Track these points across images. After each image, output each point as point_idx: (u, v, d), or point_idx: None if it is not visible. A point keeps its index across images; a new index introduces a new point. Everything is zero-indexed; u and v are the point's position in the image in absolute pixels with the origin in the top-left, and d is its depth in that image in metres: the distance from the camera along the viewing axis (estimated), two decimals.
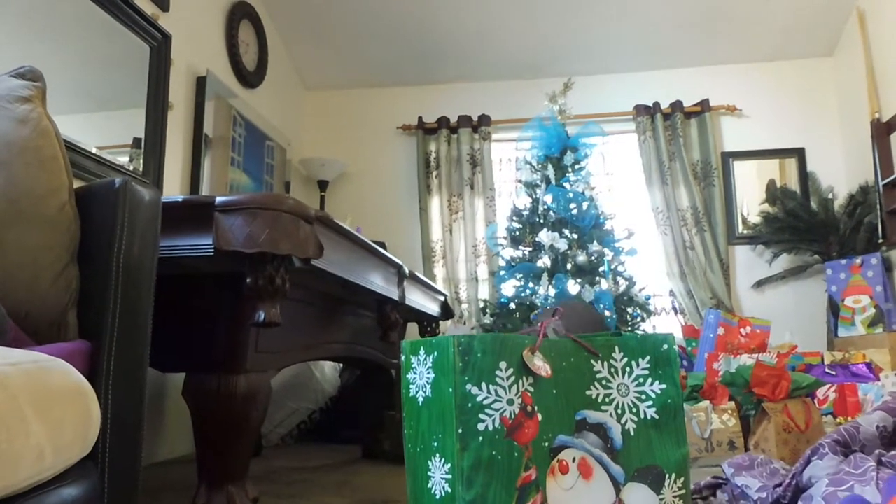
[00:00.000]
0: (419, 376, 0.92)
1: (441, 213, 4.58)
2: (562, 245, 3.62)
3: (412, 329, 3.62)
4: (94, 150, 2.58)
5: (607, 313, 3.49)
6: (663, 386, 0.93)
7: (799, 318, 4.15)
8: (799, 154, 4.43)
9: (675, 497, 0.92)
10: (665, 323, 4.19)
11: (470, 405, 0.84)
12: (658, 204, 4.38)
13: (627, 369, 0.92)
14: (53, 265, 1.03)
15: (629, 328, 3.62)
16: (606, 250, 3.71)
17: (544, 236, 3.65)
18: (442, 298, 3.30)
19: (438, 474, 0.86)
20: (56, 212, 1.04)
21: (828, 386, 3.12)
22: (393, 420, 2.85)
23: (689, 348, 3.55)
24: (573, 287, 3.59)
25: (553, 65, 4.51)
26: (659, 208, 4.38)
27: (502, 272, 3.84)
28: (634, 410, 0.90)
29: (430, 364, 0.91)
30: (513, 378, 0.87)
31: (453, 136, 4.66)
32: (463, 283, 4.46)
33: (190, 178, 3.36)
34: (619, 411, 0.89)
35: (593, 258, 3.65)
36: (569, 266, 3.66)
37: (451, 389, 0.85)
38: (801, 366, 3.12)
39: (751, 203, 4.46)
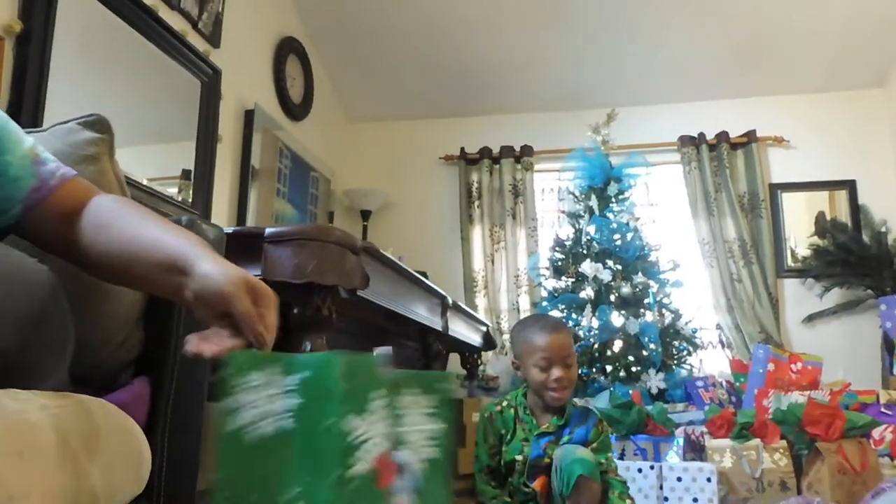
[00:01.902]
0: (265, 400, 0.71)
1: (483, 243, 4.58)
2: (605, 276, 3.58)
3: (454, 360, 3.60)
4: (144, 182, 2.66)
5: (652, 346, 3.43)
6: (443, 425, 0.84)
7: (852, 354, 4.01)
8: (850, 186, 4.33)
9: None
10: (712, 357, 4.09)
11: (349, 441, 0.69)
12: (704, 235, 4.31)
13: (415, 407, 0.85)
14: (119, 331, 1.04)
15: (675, 362, 3.54)
16: (651, 282, 3.65)
17: (587, 267, 3.61)
18: (484, 329, 3.29)
19: None
20: None
21: (884, 426, 2.99)
22: None
23: (738, 384, 3.45)
24: (617, 319, 3.53)
25: (595, 95, 4.50)
26: (705, 240, 4.31)
27: (544, 303, 3.81)
28: (423, 450, 0.82)
29: (290, 386, 0.71)
30: (383, 410, 0.75)
31: (495, 167, 4.67)
32: (504, 314, 4.43)
33: (237, 208, 3.42)
34: (414, 451, 0.80)
35: (638, 290, 3.60)
36: (612, 297, 3.61)
37: (330, 421, 0.69)
38: (854, 404, 3.00)
39: (799, 236, 4.36)
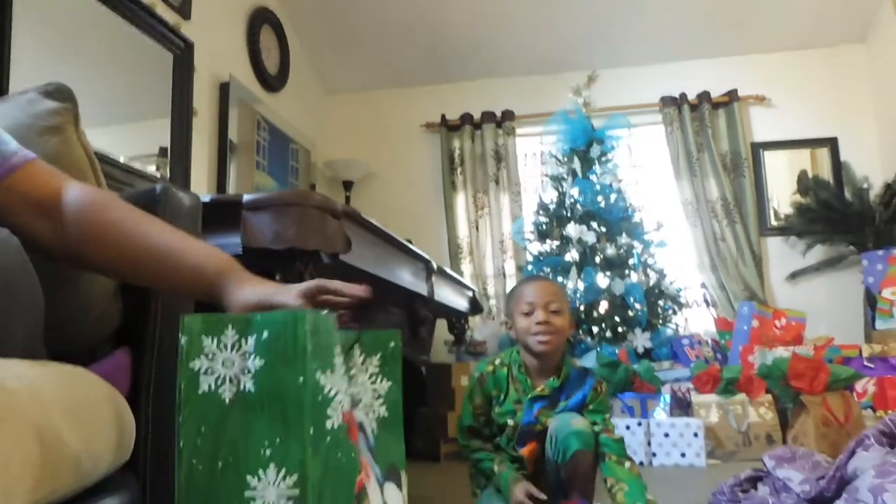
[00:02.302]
0: (225, 364, 0.72)
1: (467, 210, 4.57)
2: (590, 238, 3.58)
3: (441, 325, 3.60)
4: (122, 160, 2.61)
5: (638, 306, 3.45)
6: (390, 383, 0.86)
7: (835, 310, 4.06)
8: (831, 144, 4.34)
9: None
10: (697, 316, 4.12)
11: (320, 398, 0.70)
12: (687, 196, 4.32)
13: (364, 367, 0.84)
14: (97, 303, 1.02)
15: (660, 321, 3.57)
16: (636, 243, 3.66)
17: (572, 230, 3.62)
18: (470, 293, 3.28)
19: (273, 492, 0.68)
20: None
21: (866, 379, 3.04)
22: (424, 418, 2.84)
23: (723, 341, 3.49)
24: (602, 280, 3.54)
25: (576, 58, 4.46)
26: (688, 200, 4.31)
27: (530, 267, 3.81)
28: (373, 409, 0.84)
29: (250, 348, 0.71)
30: (345, 366, 0.76)
31: (477, 133, 4.64)
32: (490, 279, 4.44)
33: (216, 183, 3.38)
34: (366, 410, 0.82)
35: (622, 251, 3.61)
36: (597, 259, 3.62)
37: (301, 379, 0.69)
38: (838, 358, 3.04)
39: (782, 194, 4.38)
